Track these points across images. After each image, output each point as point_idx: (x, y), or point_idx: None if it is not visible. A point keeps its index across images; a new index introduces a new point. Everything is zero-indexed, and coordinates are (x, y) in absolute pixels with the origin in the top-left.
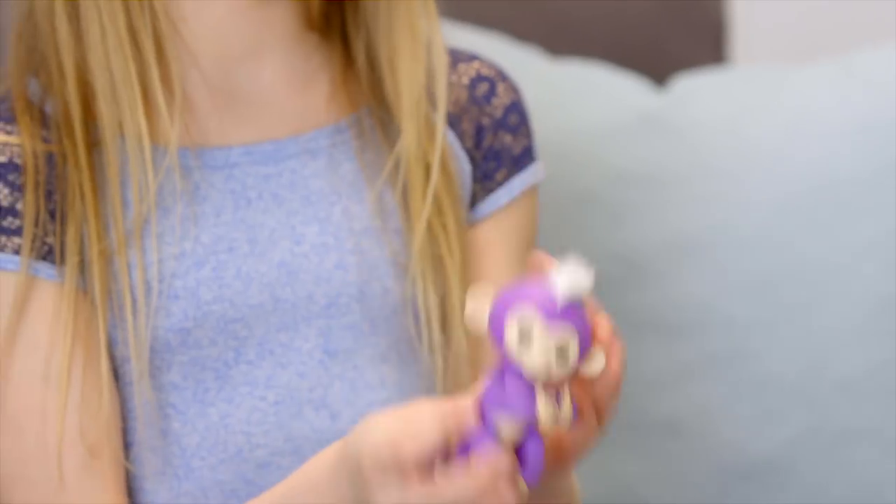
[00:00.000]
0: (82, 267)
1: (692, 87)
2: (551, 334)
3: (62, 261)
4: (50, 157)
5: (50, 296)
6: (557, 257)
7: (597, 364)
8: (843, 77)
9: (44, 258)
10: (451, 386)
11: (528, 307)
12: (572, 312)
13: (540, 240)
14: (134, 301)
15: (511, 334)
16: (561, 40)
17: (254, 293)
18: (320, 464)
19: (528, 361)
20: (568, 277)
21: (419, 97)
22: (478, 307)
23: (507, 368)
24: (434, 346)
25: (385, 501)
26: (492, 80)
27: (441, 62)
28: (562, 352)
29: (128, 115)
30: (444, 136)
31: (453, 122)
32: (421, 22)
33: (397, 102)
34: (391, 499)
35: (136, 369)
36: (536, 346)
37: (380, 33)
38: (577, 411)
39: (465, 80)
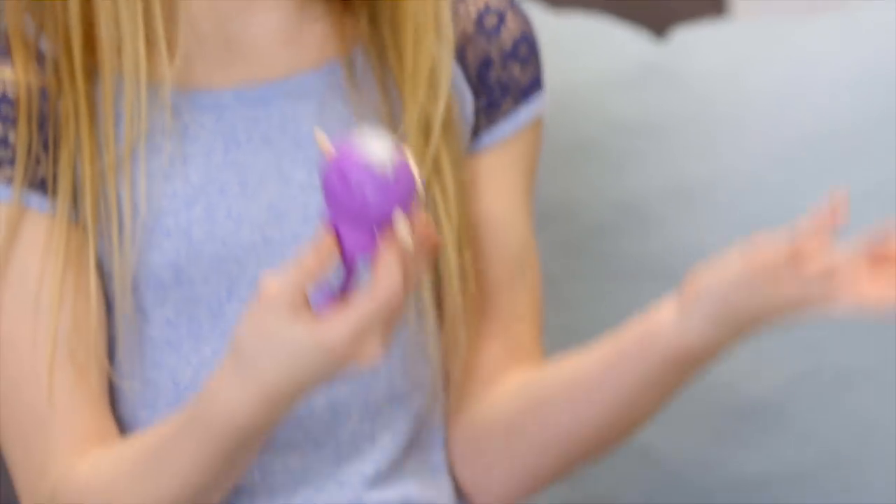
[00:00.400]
0: (74, 199)
1: (692, 38)
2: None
3: (54, 192)
4: (43, 92)
5: (41, 227)
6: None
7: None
8: (843, 27)
9: (35, 189)
10: (445, 345)
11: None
12: None
13: (541, 188)
14: (121, 233)
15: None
16: None
17: (245, 233)
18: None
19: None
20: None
21: (417, 35)
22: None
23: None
24: (426, 308)
25: (277, 345)
26: (501, 12)
27: (447, 41)
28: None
29: (128, 43)
30: (449, 101)
31: (458, 53)
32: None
33: (400, 71)
34: (286, 342)
35: (118, 299)
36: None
37: (384, 12)
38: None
39: (473, 12)
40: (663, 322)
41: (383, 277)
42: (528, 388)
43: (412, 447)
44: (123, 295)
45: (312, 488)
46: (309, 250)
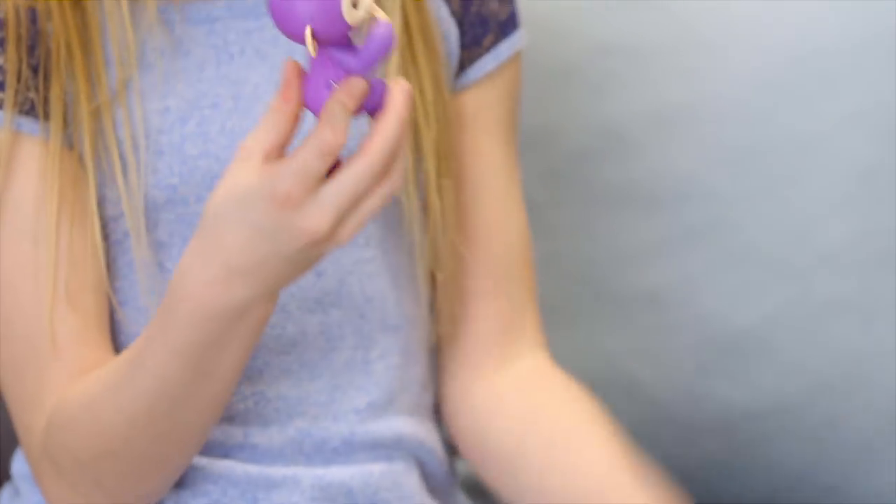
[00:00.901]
0: (66, 124)
1: None
2: None
3: (45, 117)
4: (32, 13)
5: (34, 152)
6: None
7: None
8: None
9: (27, 113)
10: (431, 249)
11: None
12: None
13: (522, 115)
14: (123, 159)
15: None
16: None
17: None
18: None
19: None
20: None
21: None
22: None
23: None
24: (411, 212)
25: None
26: None
27: None
28: None
29: None
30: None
31: None
32: None
33: None
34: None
35: (132, 227)
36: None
37: None
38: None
39: None
40: None
41: (375, 140)
42: (531, 444)
43: (404, 382)
44: (138, 234)
45: (307, 419)
46: (276, 100)
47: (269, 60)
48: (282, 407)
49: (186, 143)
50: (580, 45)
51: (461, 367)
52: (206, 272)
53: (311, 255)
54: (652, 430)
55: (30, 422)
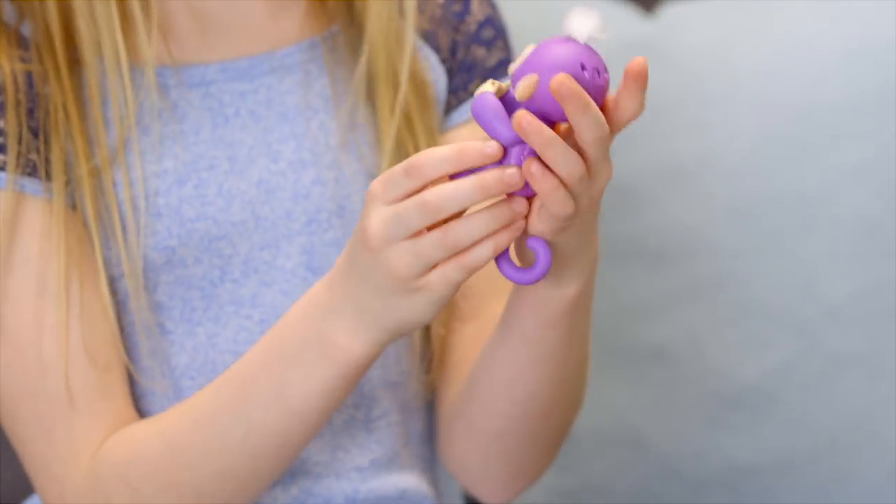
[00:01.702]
0: (68, 184)
1: (681, 14)
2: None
3: (48, 177)
4: (29, 77)
5: (38, 212)
6: None
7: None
8: (830, 4)
9: (29, 175)
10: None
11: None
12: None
13: None
14: (123, 219)
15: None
16: None
17: (236, 210)
18: (309, 292)
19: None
20: (580, 23)
21: (389, 14)
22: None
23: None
24: None
25: (379, 221)
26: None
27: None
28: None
29: (105, 35)
30: (414, 50)
31: (429, 36)
32: None
33: (366, 18)
34: (388, 220)
35: (131, 287)
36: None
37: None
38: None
39: None
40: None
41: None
42: (468, 377)
43: (406, 438)
44: (132, 279)
45: (310, 479)
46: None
47: (262, 122)
48: None
49: (184, 205)
50: None
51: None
52: (328, 276)
53: (407, 301)
54: (658, 484)
55: (62, 474)
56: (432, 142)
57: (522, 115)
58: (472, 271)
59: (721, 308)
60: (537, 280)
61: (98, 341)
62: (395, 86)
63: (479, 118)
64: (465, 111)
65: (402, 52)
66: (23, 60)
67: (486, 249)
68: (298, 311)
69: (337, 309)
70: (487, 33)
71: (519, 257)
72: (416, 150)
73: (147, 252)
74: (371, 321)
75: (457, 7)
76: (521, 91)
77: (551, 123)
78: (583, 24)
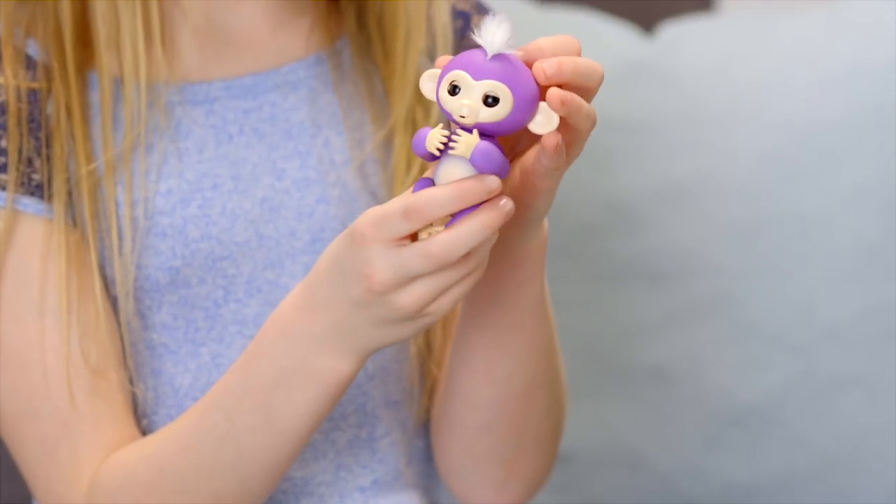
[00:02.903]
0: (71, 203)
1: (680, 34)
2: (476, 82)
3: (51, 196)
4: (32, 96)
5: (39, 231)
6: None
7: (543, 120)
8: (830, 24)
9: (31, 194)
10: (431, 331)
11: (458, 66)
12: (504, 65)
13: None
14: (121, 239)
15: (443, 90)
16: None
17: (239, 230)
18: (283, 304)
19: (454, 106)
20: (489, 33)
21: (412, 77)
22: (428, 83)
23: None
24: None
25: (378, 256)
26: (466, 14)
27: (442, 33)
28: (494, 99)
29: (129, 50)
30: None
31: (431, 53)
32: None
33: (387, 70)
34: (386, 253)
35: (122, 307)
36: (461, 93)
37: (371, 6)
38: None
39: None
40: None
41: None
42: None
43: (408, 457)
44: (126, 301)
45: (313, 499)
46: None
47: (266, 140)
48: (288, 488)
49: (189, 225)
50: None
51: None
52: (297, 300)
53: (403, 328)
54: None
55: (64, 493)
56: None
57: (567, 95)
58: (460, 299)
59: (720, 328)
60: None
61: (101, 361)
62: (409, 107)
63: (419, 152)
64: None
65: (421, 100)
66: (28, 79)
67: (470, 282)
68: (274, 337)
69: (322, 336)
70: None
71: None
72: (423, 168)
73: (151, 272)
74: (361, 345)
75: (457, 23)
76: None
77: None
78: (495, 35)
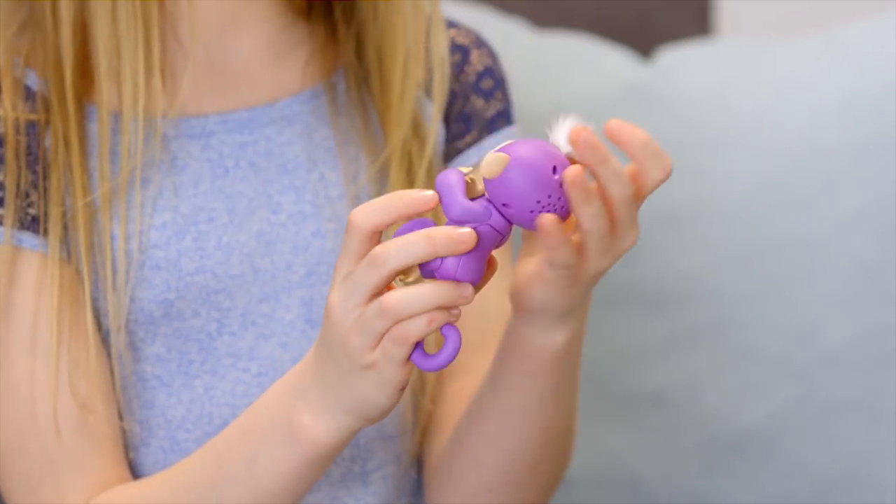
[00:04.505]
0: (66, 237)
1: (678, 59)
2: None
3: (45, 230)
4: (31, 129)
5: (34, 266)
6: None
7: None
8: (827, 50)
9: (27, 228)
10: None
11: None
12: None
13: None
14: (115, 272)
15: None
16: (547, 12)
17: (234, 263)
18: (275, 387)
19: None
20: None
21: (409, 110)
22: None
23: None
24: None
25: (337, 292)
26: (464, 48)
27: (440, 66)
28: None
29: (129, 82)
30: (435, 140)
31: (427, 86)
32: (416, 37)
33: (383, 103)
34: (343, 288)
35: (114, 340)
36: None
37: (371, 42)
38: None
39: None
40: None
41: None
42: (453, 434)
43: (401, 490)
44: (118, 334)
45: None
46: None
47: (262, 174)
48: None
49: (183, 258)
50: None
51: (426, 448)
52: (293, 374)
53: (362, 380)
54: None
55: None
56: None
57: (581, 128)
58: (404, 344)
59: (719, 353)
60: (441, 368)
61: (90, 395)
62: (405, 139)
63: (442, 196)
64: (462, 162)
65: (417, 134)
66: (26, 111)
67: (420, 324)
68: (275, 390)
69: (305, 389)
70: (486, 84)
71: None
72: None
73: (145, 305)
74: (334, 403)
75: (456, 57)
76: (486, 167)
77: (506, 222)
78: (565, 137)
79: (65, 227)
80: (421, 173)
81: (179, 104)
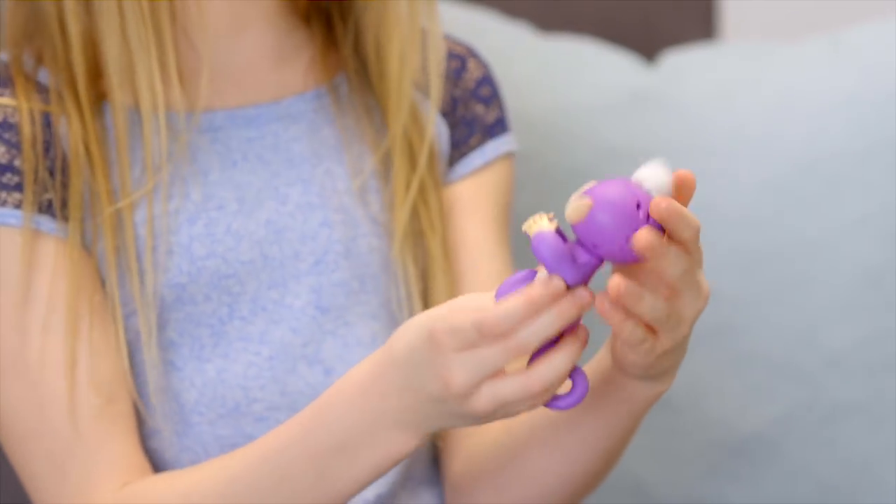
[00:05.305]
0: (84, 223)
1: (682, 63)
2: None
3: (63, 216)
4: (45, 118)
5: (51, 250)
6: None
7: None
8: (832, 53)
9: (43, 212)
10: None
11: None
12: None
13: (529, 215)
14: (139, 257)
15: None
16: (551, 16)
17: (244, 249)
18: (352, 376)
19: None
20: (653, 178)
21: (407, 94)
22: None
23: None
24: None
25: (459, 365)
26: (462, 57)
27: (434, 59)
28: None
29: (144, 79)
30: (434, 129)
31: (424, 88)
32: (411, 23)
33: (383, 94)
34: (467, 362)
35: (143, 325)
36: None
37: (369, 33)
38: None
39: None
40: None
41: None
42: (505, 441)
43: (404, 482)
44: (150, 333)
45: None
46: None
47: (270, 167)
48: None
49: (195, 243)
50: (587, 149)
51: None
52: (364, 379)
53: (475, 421)
54: None
55: None
56: (438, 194)
57: (661, 199)
58: (531, 408)
59: (723, 357)
60: (570, 408)
61: (107, 380)
62: (412, 156)
63: (541, 258)
64: (466, 165)
65: (417, 124)
66: (40, 103)
67: (555, 385)
68: (341, 408)
69: (394, 416)
70: (485, 91)
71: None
72: (426, 204)
73: (158, 289)
74: (432, 427)
75: (454, 64)
76: (572, 213)
77: (599, 258)
78: (652, 175)
79: (83, 215)
80: (422, 160)
81: (187, 100)
